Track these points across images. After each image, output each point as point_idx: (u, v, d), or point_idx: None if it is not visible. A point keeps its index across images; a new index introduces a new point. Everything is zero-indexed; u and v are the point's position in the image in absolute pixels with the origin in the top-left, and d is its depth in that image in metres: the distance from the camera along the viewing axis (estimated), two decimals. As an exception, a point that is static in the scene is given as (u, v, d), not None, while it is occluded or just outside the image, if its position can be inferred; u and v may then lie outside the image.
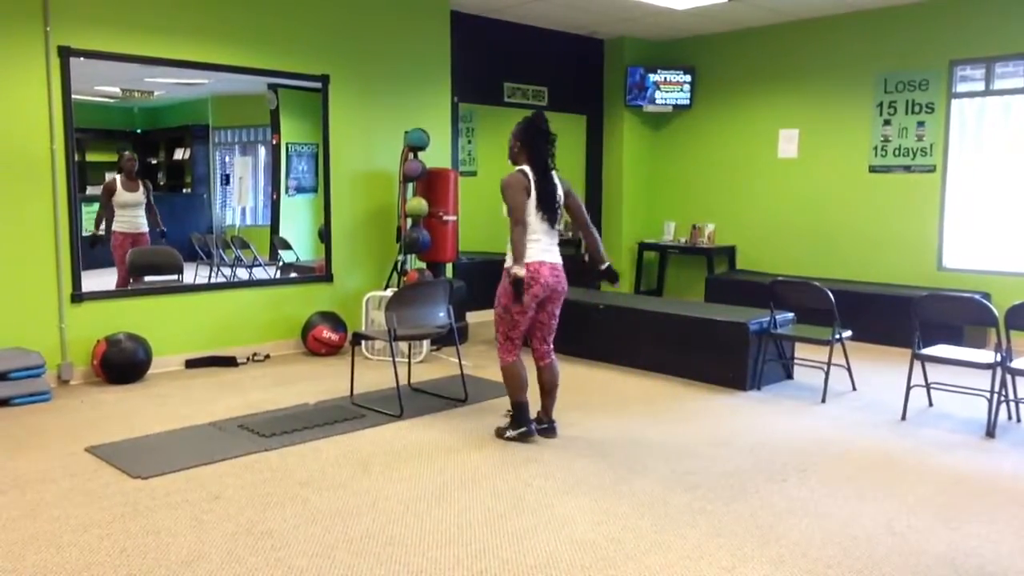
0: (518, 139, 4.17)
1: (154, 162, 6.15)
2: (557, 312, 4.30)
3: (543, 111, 4.29)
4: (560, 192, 4.21)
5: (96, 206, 5.61)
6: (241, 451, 4.04)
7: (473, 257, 7.87)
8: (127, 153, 5.77)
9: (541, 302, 4.20)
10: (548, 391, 4.35)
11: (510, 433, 4.25)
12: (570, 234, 9.04)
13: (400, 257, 6.54)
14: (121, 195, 5.71)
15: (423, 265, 6.73)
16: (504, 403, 4.99)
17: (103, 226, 5.61)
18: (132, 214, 5.77)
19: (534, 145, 4.12)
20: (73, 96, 5.28)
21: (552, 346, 4.36)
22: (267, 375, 5.70)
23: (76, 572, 2.80)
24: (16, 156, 5.12)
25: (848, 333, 5.29)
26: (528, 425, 4.23)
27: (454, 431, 4.41)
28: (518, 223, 4.02)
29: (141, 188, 5.82)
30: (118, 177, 5.72)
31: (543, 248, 4.15)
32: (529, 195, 4.07)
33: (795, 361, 5.73)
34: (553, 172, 4.18)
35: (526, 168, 4.12)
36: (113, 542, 3.02)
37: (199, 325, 5.97)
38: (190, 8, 5.75)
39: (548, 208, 4.12)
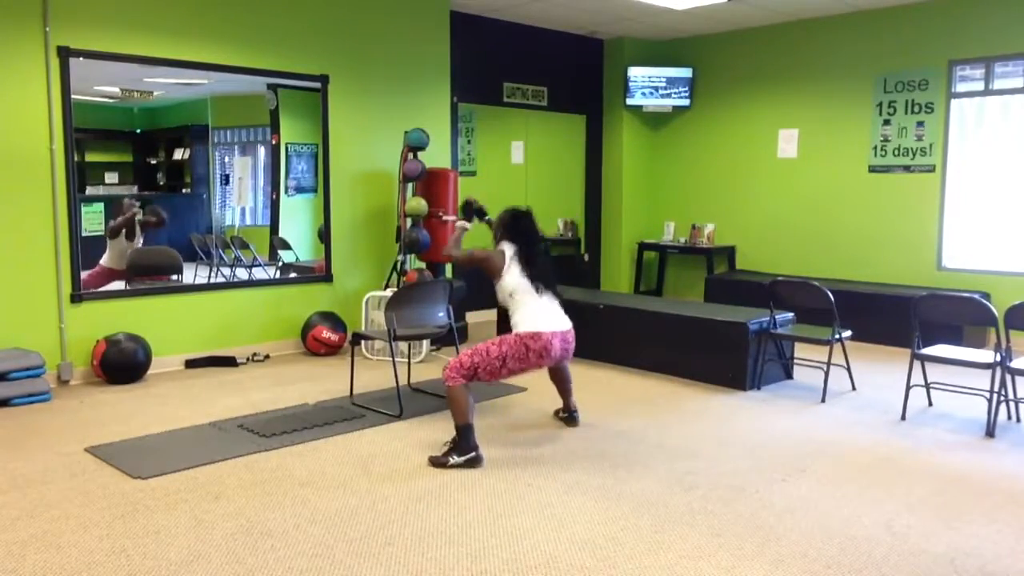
0: (504, 232, 4.30)
1: (153, 162, 6.15)
2: None
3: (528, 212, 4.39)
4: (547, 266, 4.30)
5: (96, 205, 5.60)
6: (241, 451, 4.04)
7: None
8: (127, 203, 5.77)
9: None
10: (561, 383, 4.53)
11: (455, 459, 3.85)
12: (569, 234, 9.07)
13: (400, 257, 6.54)
14: (121, 242, 5.73)
15: (423, 265, 6.73)
16: (505, 403, 5.00)
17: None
18: (124, 255, 5.77)
19: (521, 233, 4.27)
20: (73, 96, 5.28)
21: None
22: (267, 375, 5.70)
23: (76, 572, 2.79)
24: (16, 156, 5.12)
25: (848, 333, 5.29)
26: (476, 449, 3.89)
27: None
28: (467, 255, 4.42)
29: (138, 236, 5.83)
30: (121, 220, 5.72)
31: (546, 312, 4.13)
32: (500, 273, 4.19)
33: (795, 361, 5.73)
34: (540, 249, 4.30)
35: (506, 248, 4.24)
36: (113, 542, 3.02)
37: (199, 325, 5.97)
38: (190, 8, 5.75)
39: (533, 279, 4.15)
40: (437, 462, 3.89)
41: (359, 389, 5.24)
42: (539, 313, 4.11)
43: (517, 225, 4.32)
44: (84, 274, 5.46)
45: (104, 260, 5.64)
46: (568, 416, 4.60)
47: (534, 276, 4.17)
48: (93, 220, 5.57)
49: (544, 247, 4.39)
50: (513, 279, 4.18)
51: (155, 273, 5.89)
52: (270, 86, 6.36)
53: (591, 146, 9.16)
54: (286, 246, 6.63)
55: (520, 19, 8.02)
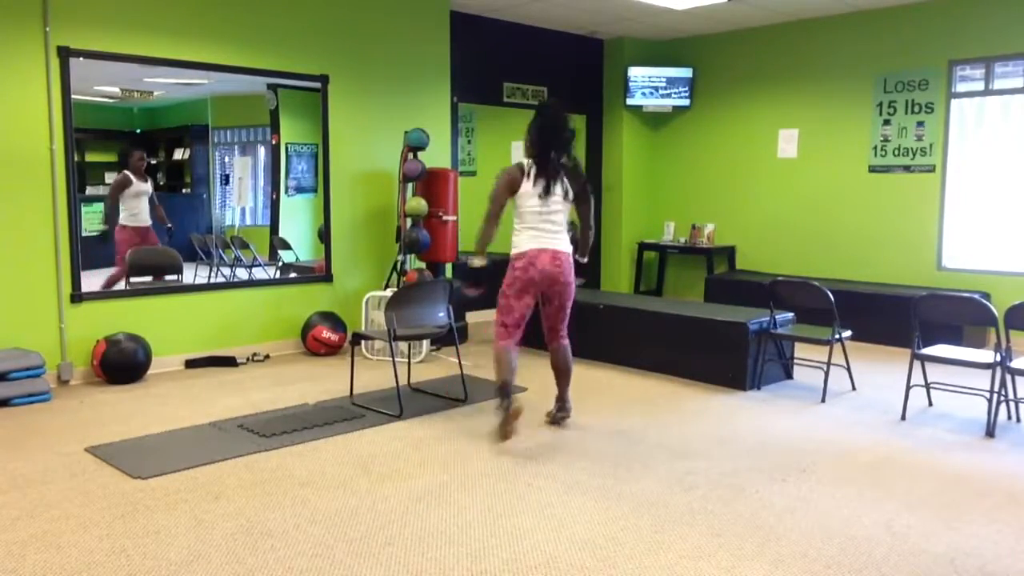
0: (528, 129, 4.28)
1: (153, 162, 6.15)
2: (566, 304, 4.39)
3: (555, 103, 4.36)
4: (565, 180, 4.26)
5: (96, 205, 5.61)
6: (241, 451, 4.04)
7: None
8: (136, 152, 5.87)
9: (545, 296, 4.31)
10: (559, 372, 4.51)
11: (500, 414, 4.18)
12: (570, 234, 9.07)
13: (400, 257, 6.54)
14: (136, 186, 5.82)
15: (423, 265, 6.73)
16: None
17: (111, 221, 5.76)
18: (141, 207, 5.84)
19: (538, 133, 4.24)
20: (72, 96, 5.28)
21: (564, 332, 4.47)
22: (267, 375, 5.70)
23: (76, 572, 2.80)
24: (16, 156, 5.12)
25: (848, 333, 5.29)
26: (507, 398, 4.12)
27: (454, 431, 4.41)
28: (487, 210, 4.27)
29: (149, 182, 5.92)
30: (129, 172, 5.80)
31: (538, 235, 4.22)
32: (519, 186, 4.19)
33: (795, 361, 5.73)
34: (560, 161, 4.24)
35: (525, 160, 4.26)
36: (113, 542, 3.02)
37: (199, 325, 5.97)
38: (190, 8, 5.75)
39: (546, 192, 4.18)
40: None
41: (359, 389, 5.24)
42: (529, 238, 4.21)
43: (534, 125, 4.25)
44: (116, 238, 5.71)
45: (122, 219, 5.75)
46: (560, 406, 4.58)
47: (541, 171, 4.16)
48: (93, 220, 5.57)
49: (565, 140, 4.24)
50: (523, 198, 4.20)
51: (155, 273, 5.89)
52: (270, 86, 6.36)
53: (591, 146, 9.16)
54: (286, 246, 6.63)
55: (520, 19, 8.02)
